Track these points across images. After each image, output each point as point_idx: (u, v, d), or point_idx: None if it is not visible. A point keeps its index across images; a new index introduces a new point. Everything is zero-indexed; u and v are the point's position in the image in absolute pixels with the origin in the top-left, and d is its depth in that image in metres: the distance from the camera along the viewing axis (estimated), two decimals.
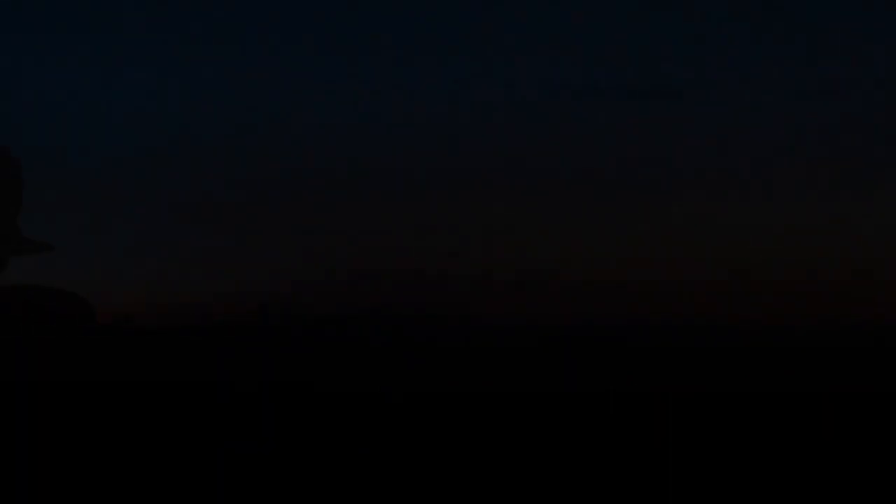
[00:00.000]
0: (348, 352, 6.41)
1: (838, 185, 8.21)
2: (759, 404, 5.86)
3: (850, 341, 6.30)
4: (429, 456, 5.19)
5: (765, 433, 5.72)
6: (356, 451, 5.31)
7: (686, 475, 5.18)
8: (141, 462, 5.02)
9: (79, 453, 4.98)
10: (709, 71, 8.45)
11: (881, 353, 6.08)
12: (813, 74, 8.37)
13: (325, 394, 6.13)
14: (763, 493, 5.14)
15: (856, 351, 6.19)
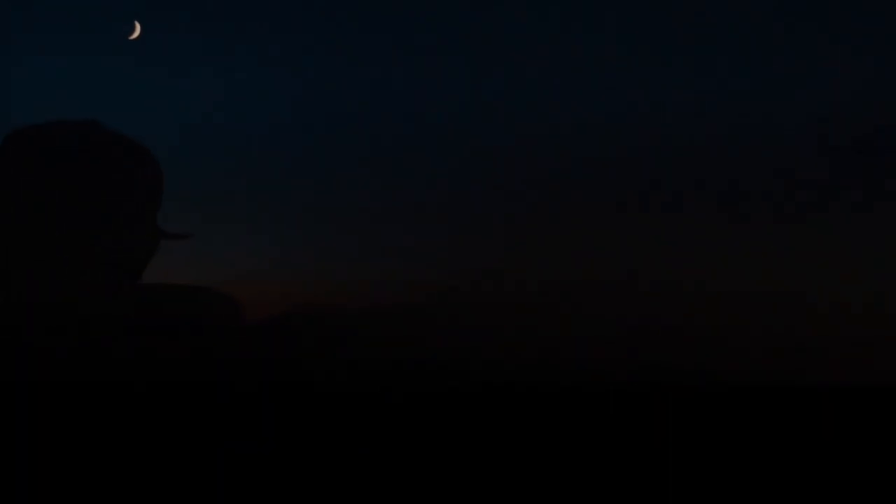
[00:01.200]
0: (348, 352, 6.40)
1: None
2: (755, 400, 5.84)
3: None
4: (428, 455, 5.18)
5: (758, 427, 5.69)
6: (356, 451, 5.29)
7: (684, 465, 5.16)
8: (141, 461, 5.01)
9: (79, 453, 4.97)
10: None
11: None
12: None
13: (325, 394, 6.12)
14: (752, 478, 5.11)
15: None
